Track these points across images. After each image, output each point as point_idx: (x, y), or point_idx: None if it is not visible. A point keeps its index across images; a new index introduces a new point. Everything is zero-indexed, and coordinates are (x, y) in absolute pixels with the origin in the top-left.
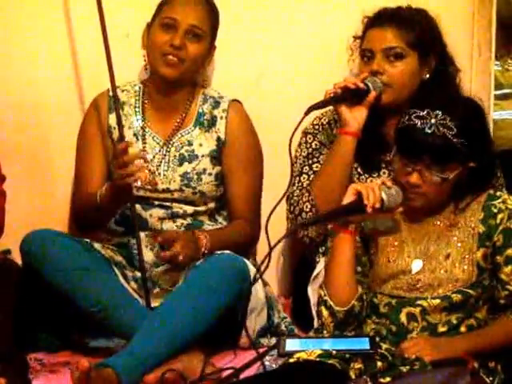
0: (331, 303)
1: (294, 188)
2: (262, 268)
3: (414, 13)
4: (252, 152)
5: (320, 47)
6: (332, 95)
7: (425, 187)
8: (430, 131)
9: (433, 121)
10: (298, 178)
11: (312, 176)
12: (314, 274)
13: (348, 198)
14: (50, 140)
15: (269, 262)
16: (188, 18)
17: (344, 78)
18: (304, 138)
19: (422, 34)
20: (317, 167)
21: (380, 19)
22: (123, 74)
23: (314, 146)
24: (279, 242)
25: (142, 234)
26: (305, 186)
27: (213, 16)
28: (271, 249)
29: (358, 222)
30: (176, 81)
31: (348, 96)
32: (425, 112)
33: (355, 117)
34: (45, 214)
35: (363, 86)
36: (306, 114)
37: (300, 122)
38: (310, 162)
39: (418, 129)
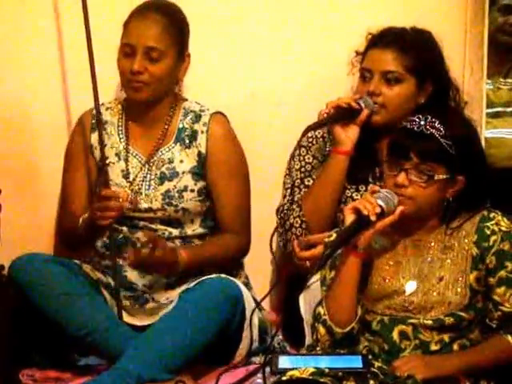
0: (331, 324)
1: (285, 201)
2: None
3: (418, 37)
4: (235, 163)
5: (313, 66)
6: (326, 115)
7: (411, 189)
8: (418, 130)
9: (422, 122)
10: (289, 191)
11: (304, 190)
12: (308, 284)
13: (348, 219)
14: (38, 156)
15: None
16: (143, 41)
17: (338, 97)
18: (298, 151)
19: (421, 59)
20: (308, 181)
21: (382, 40)
22: (111, 90)
23: (307, 160)
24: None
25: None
26: (296, 199)
27: (173, 28)
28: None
29: (367, 242)
30: (148, 101)
31: (341, 115)
32: (415, 117)
33: (349, 136)
34: (33, 230)
35: (355, 104)
36: (304, 134)
37: (299, 142)
38: (303, 175)
39: (407, 129)
